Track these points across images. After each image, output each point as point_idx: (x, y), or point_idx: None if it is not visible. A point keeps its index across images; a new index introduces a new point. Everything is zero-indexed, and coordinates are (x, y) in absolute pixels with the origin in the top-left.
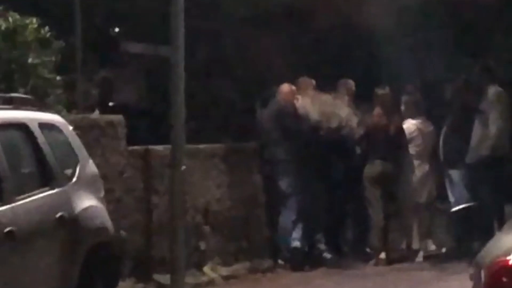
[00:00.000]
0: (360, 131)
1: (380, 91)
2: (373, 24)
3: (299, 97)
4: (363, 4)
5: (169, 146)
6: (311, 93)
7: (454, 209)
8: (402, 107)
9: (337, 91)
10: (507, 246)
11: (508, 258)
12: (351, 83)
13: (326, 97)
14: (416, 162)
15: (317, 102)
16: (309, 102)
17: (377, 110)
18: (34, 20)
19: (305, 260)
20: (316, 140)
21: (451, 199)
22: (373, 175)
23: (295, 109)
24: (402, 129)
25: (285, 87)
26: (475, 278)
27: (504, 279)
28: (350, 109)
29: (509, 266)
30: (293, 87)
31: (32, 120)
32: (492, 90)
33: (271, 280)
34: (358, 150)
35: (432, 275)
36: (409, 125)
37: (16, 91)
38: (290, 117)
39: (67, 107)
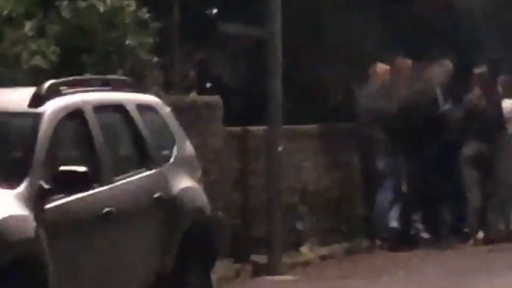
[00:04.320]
0: (459, 112)
1: (478, 71)
2: (468, 2)
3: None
4: None
5: (266, 127)
6: (407, 74)
7: None
8: (499, 87)
9: (433, 72)
10: None
11: None
12: (448, 63)
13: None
14: None
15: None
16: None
17: (476, 90)
18: (132, 2)
19: (403, 240)
20: (412, 121)
21: None
22: (470, 156)
23: (389, 90)
24: (500, 109)
25: (380, 68)
26: None
27: None
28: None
29: None
30: (387, 67)
31: (130, 101)
32: None
33: (368, 260)
34: (457, 131)
35: None
36: (507, 105)
37: (114, 73)
38: (385, 98)
39: (164, 88)
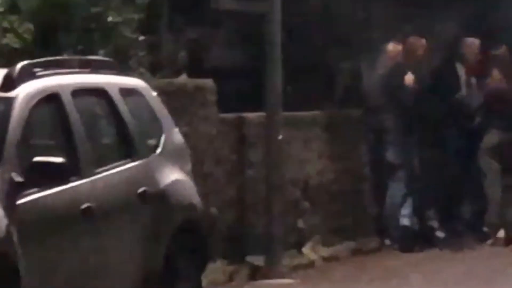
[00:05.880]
0: (479, 98)
1: (496, 52)
2: None
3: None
4: None
5: (264, 114)
6: (421, 55)
7: None
8: None
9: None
10: None
11: None
12: (472, 41)
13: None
14: None
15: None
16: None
17: (495, 74)
18: None
19: (415, 240)
20: (427, 107)
21: None
22: (490, 145)
23: (402, 72)
24: None
25: (391, 47)
26: None
27: None
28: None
29: None
30: (400, 47)
31: (112, 85)
32: None
33: (377, 262)
34: (478, 118)
35: None
36: None
37: (95, 53)
38: (397, 82)
39: (151, 71)
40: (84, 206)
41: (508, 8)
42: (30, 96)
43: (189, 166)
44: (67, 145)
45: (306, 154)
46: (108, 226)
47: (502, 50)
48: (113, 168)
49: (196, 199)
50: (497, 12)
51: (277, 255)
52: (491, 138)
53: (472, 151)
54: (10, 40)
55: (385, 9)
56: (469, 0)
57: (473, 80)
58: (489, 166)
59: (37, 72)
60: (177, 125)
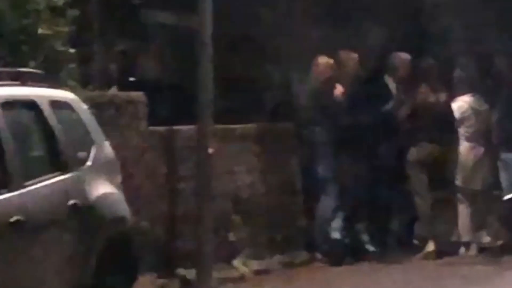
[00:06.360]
0: (404, 111)
1: (423, 64)
2: None
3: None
4: None
5: (195, 127)
6: (352, 68)
7: (505, 197)
8: (454, 83)
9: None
10: None
11: None
12: (403, 55)
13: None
14: (469, 145)
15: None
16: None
17: (423, 86)
18: None
19: (346, 253)
20: (357, 121)
21: (503, 185)
22: (419, 158)
23: (333, 86)
24: (450, 107)
25: (322, 60)
26: None
27: None
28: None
29: None
30: (331, 61)
31: (42, 97)
32: None
33: (308, 275)
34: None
35: (486, 270)
36: (462, 103)
37: (24, 65)
38: (327, 95)
39: (81, 83)
40: (13, 219)
41: (437, 20)
42: None
43: (119, 179)
44: None
45: (237, 167)
46: (37, 239)
47: (430, 63)
48: (43, 180)
49: (126, 212)
50: (426, 24)
51: (207, 268)
52: (418, 151)
53: (402, 164)
54: None
55: (316, 23)
56: (399, 13)
57: (402, 94)
58: (417, 179)
59: None
60: (107, 137)
